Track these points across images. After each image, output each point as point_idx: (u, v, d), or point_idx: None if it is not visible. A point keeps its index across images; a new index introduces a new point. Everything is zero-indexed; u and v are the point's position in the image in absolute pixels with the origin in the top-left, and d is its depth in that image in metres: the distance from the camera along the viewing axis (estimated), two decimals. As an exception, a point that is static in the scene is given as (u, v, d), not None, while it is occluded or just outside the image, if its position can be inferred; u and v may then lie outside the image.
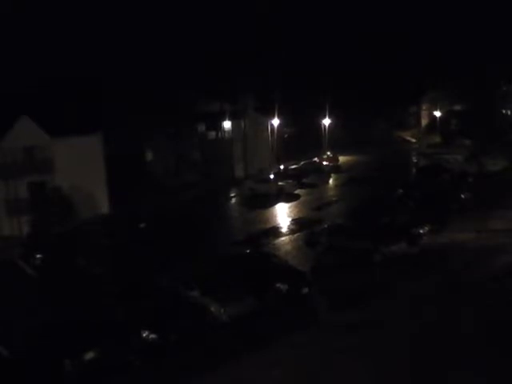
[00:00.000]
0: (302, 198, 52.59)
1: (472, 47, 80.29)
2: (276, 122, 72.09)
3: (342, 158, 74.73)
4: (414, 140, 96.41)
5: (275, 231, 40.64)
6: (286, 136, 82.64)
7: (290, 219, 44.31)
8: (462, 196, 40.67)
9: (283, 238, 38.49)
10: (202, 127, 67.59)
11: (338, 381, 18.38)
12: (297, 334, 22.20)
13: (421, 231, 33.37)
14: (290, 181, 57.32)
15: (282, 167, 66.36)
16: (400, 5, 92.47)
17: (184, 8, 72.71)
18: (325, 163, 69.01)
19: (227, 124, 67.02)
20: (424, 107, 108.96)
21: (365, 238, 30.69)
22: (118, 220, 45.05)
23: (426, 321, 21.84)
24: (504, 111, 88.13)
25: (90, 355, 20.48)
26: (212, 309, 23.64)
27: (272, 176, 58.96)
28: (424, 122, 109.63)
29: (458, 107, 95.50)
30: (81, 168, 47.27)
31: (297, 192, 54.96)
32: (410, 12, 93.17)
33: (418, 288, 25.98)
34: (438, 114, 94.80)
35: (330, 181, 62.24)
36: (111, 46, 60.16)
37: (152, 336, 21.79)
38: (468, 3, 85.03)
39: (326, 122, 79.43)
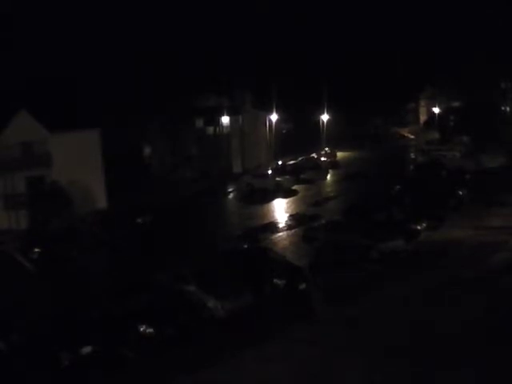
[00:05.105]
0: (299, 194, 52.61)
1: (471, 46, 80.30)
2: (274, 117, 72.15)
3: (340, 154, 74.79)
4: (412, 136, 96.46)
5: (273, 227, 40.64)
6: (284, 132, 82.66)
7: (287, 215, 44.29)
8: (460, 193, 40.73)
9: (281, 234, 38.50)
10: (199, 122, 67.58)
11: (336, 378, 18.43)
12: (295, 330, 22.23)
13: (418, 228, 33.44)
14: (288, 176, 57.30)
15: (279, 163, 66.37)
16: (400, 3, 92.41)
17: (184, 6, 72.70)
18: (323, 159, 69.03)
19: (225, 119, 66.96)
20: (422, 103, 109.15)
21: (362, 234, 30.74)
22: (115, 215, 45.01)
23: (425, 319, 21.89)
24: (503, 108, 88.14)
25: (87, 349, 20.51)
26: (209, 304, 23.65)
27: (270, 171, 58.97)
28: (422, 118, 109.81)
29: (456, 104, 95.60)
30: (79, 163, 47.20)
31: (294, 188, 54.96)
32: (410, 11, 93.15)
33: (416, 284, 26.04)
34: (436, 110, 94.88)
35: (328, 177, 62.21)
36: (110, 42, 60.03)
37: (149, 330, 21.81)
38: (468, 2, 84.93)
39: (325, 117, 79.47)
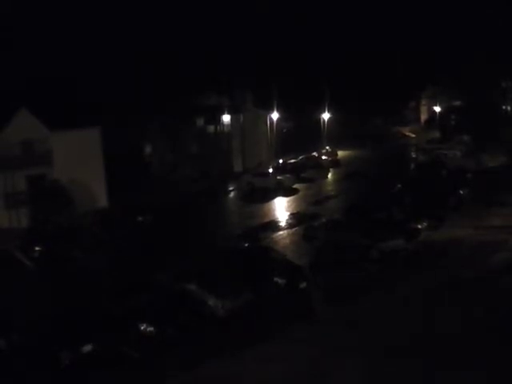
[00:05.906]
0: (300, 193, 52.60)
1: (471, 46, 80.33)
2: (275, 116, 72.15)
3: (341, 153, 74.74)
4: (413, 135, 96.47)
5: (273, 225, 40.61)
6: (284, 130, 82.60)
7: (288, 213, 44.30)
8: (461, 192, 40.72)
9: (281, 233, 38.48)
10: (200, 121, 67.52)
11: (336, 378, 18.43)
12: (295, 330, 22.24)
13: (419, 227, 33.44)
14: (289, 175, 57.26)
15: (280, 161, 66.32)
16: (400, 3, 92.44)
17: (184, 6, 72.79)
18: (324, 158, 69.02)
19: (226, 118, 66.91)
20: (423, 102, 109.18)
21: (362, 233, 30.74)
22: (116, 214, 45.01)
23: (425, 319, 21.87)
24: (503, 107, 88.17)
25: (87, 348, 20.52)
26: (210, 303, 23.66)
27: (270, 170, 59.01)
28: (423, 117, 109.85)
29: (457, 103, 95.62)
30: (80, 161, 47.22)
31: (295, 186, 54.95)
32: (410, 11, 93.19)
33: (416, 284, 26.04)
34: (437, 109, 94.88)
35: (329, 175, 62.19)
36: (110, 42, 60.06)
37: (150, 329, 21.82)
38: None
39: (325, 116, 79.47)
